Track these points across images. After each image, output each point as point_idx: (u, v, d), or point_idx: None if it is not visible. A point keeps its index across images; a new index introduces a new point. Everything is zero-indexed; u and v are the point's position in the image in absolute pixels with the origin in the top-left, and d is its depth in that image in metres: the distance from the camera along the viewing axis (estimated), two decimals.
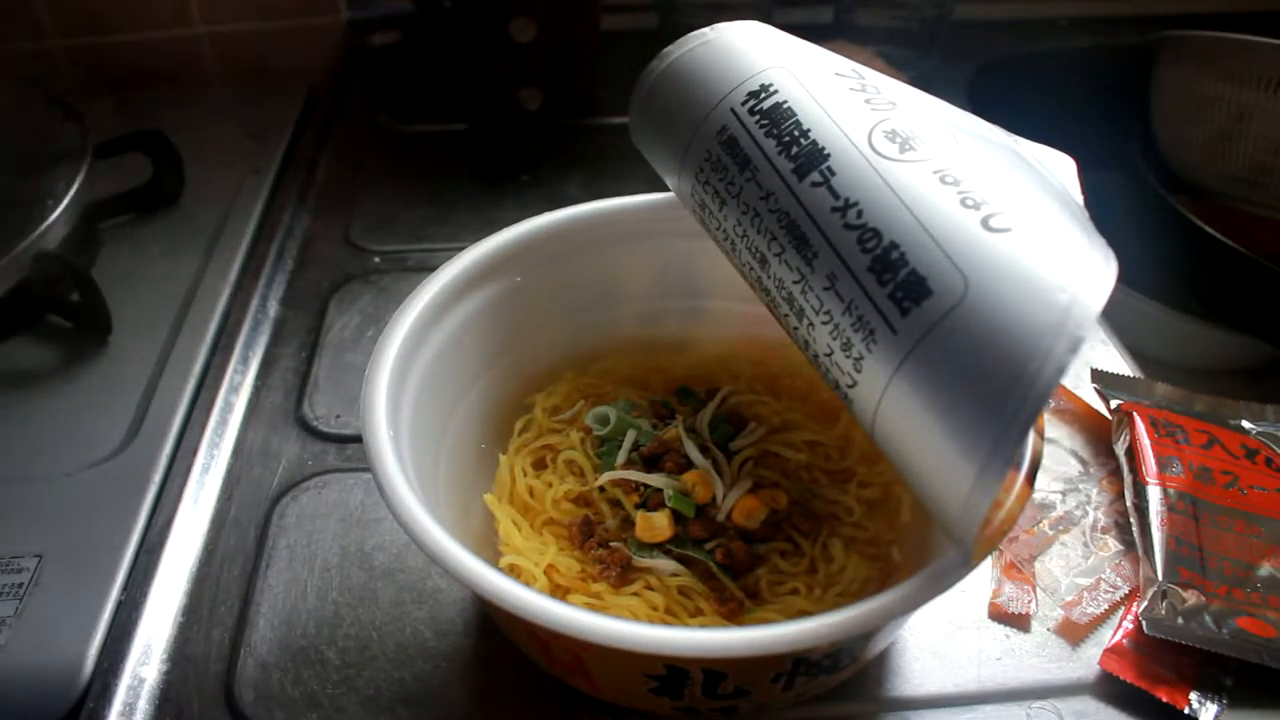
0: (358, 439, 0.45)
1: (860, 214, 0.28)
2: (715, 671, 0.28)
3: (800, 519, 0.36)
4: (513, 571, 0.34)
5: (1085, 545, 0.40)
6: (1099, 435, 0.45)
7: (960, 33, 0.76)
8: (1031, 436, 0.30)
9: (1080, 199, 0.29)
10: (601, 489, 0.37)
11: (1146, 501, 0.39)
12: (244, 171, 0.64)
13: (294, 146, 0.68)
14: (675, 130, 0.34)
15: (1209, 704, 0.34)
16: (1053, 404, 0.46)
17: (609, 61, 0.69)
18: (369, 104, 0.73)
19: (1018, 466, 0.29)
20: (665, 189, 0.38)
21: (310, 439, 0.45)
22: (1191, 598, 0.35)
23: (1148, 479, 0.39)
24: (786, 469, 0.38)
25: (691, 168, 0.34)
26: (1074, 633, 0.37)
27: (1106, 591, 0.38)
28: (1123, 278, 0.26)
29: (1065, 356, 0.24)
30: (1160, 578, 0.36)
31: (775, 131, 0.31)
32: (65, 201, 0.51)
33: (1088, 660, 0.36)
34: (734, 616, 0.33)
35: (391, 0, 0.81)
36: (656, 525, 0.35)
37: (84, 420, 0.46)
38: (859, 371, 0.28)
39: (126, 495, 0.42)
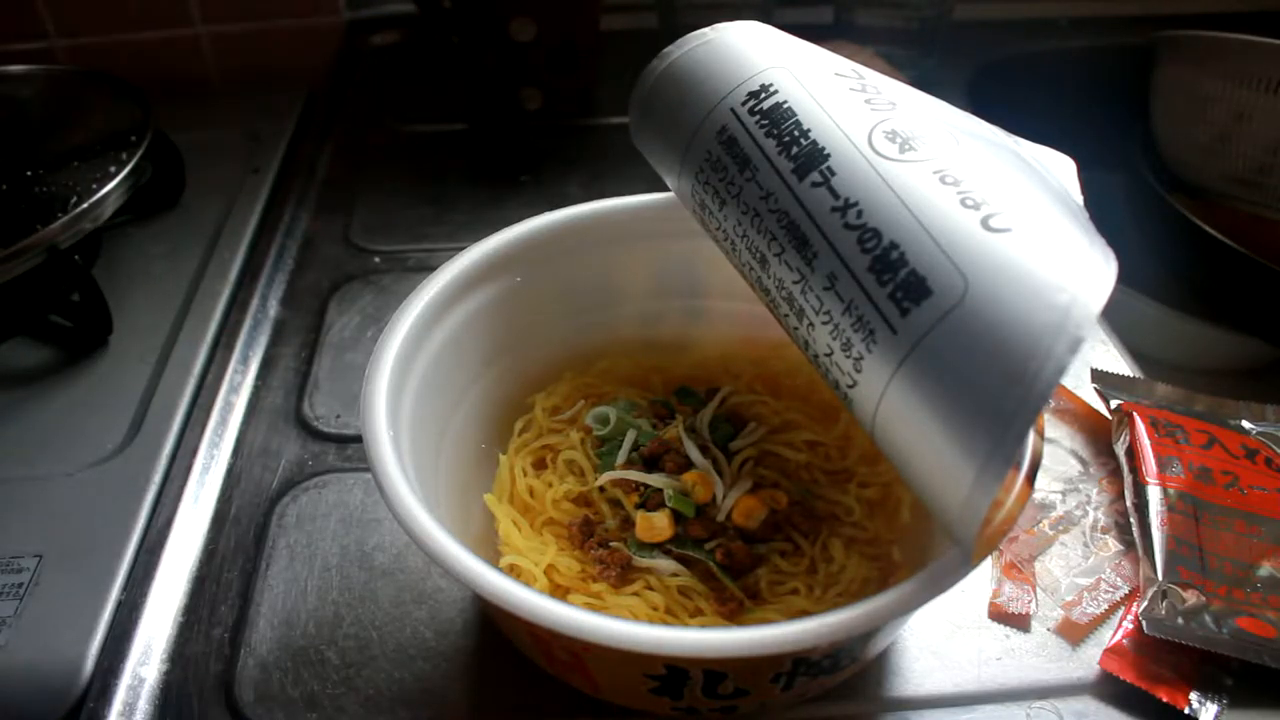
0: (358, 439, 0.45)
1: (860, 214, 0.28)
2: (715, 671, 0.28)
3: (800, 519, 0.36)
4: (513, 571, 0.34)
5: (1085, 545, 0.40)
6: (1099, 435, 0.45)
7: (960, 33, 0.76)
8: (1031, 436, 0.30)
9: (1080, 199, 0.29)
10: (601, 489, 0.37)
11: (1146, 501, 0.39)
12: (244, 171, 0.64)
13: (294, 146, 0.68)
14: (675, 130, 0.34)
15: (1209, 704, 0.34)
16: (1053, 404, 0.46)
17: (609, 61, 0.69)
18: (369, 104, 0.73)
19: (1018, 466, 0.29)
20: (665, 189, 0.38)
21: (310, 439, 0.45)
22: (1191, 598, 0.35)
23: (1148, 479, 0.39)
24: (786, 469, 0.38)
25: (691, 168, 0.34)
26: (1074, 633, 0.37)
27: (1106, 591, 0.38)
28: (1123, 278, 0.26)
29: (1065, 356, 0.24)
30: (1160, 578, 0.36)
31: (775, 131, 0.31)
32: (120, 177, 0.51)
33: (1088, 660, 0.36)
34: (734, 616, 0.33)
35: (391, 0, 0.81)
36: (656, 525, 0.35)
37: (84, 420, 0.46)
38: (859, 371, 0.28)
39: (126, 495, 0.42)
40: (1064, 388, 0.47)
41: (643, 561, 0.34)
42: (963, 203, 0.27)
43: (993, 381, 0.25)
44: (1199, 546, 0.37)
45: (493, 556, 0.36)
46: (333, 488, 0.43)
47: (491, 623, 0.37)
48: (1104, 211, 0.30)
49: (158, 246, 0.58)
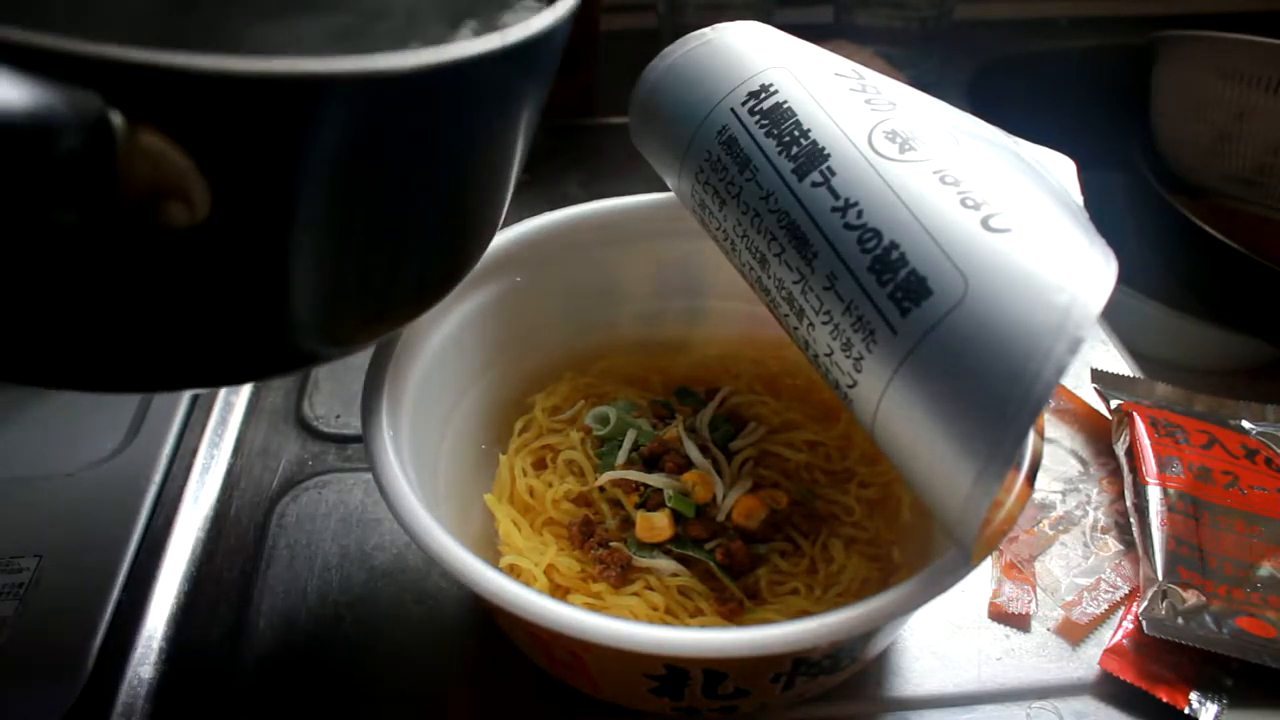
0: (358, 439, 0.45)
1: (860, 214, 0.28)
2: (715, 671, 0.28)
3: (800, 519, 0.36)
4: (513, 571, 0.34)
5: (1085, 545, 0.40)
6: (1099, 435, 0.45)
7: (960, 33, 0.76)
8: (1031, 436, 0.30)
9: (1080, 199, 0.29)
10: (601, 489, 0.37)
11: (1146, 501, 0.39)
12: None
13: None
14: (675, 130, 0.34)
15: (1209, 704, 0.34)
16: (1053, 404, 0.46)
17: (609, 61, 0.69)
18: None
19: (1018, 466, 0.29)
20: (665, 189, 0.38)
21: (310, 439, 0.45)
22: (1191, 598, 0.35)
23: (1148, 479, 0.39)
24: (786, 469, 0.38)
25: (691, 168, 0.34)
26: (1074, 633, 0.37)
27: (1106, 591, 0.38)
28: (1123, 278, 0.26)
29: (1065, 357, 0.24)
30: (1160, 578, 0.36)
31: (775, 131, 0.31)
32: None
33: (1088, 660, 0.36)
34: (734, 616, 0.33)
35: None
36: (656, 525, 0.35)
37: (84, 420, 0.46)
38: (859, 371, 0.28)
39: (126, 495, 0.42)
40: (1064, 388, 0.47)
41: (643, 561, 0.34)
42: (963, 203, 0.27)
43: (993, 382, 0.25)
44: (1199, 546, 0.37)
45: (493, 556, 0.36)
46: (333, 488, 0.43)
47: (491, 623, 0.37)
48: (1104, 211, 0.30)
49: None
